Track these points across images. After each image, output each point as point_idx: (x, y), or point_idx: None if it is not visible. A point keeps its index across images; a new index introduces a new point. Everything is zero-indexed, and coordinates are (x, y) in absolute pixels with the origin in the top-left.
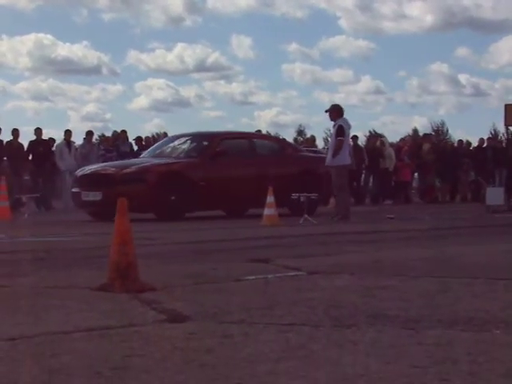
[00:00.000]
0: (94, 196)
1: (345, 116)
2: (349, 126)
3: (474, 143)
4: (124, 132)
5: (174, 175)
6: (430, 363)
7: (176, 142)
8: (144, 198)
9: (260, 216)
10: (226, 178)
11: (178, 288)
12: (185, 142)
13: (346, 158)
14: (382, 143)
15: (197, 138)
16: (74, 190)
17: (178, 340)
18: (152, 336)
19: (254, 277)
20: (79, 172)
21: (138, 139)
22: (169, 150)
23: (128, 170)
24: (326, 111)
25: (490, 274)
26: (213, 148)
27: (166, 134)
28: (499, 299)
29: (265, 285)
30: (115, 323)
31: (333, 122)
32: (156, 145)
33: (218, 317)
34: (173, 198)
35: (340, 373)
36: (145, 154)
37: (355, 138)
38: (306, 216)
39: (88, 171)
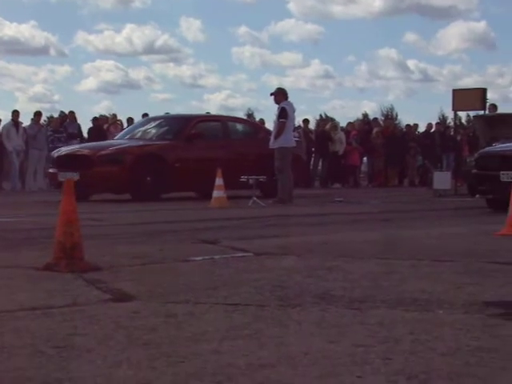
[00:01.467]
0: (71, 176)
1: (292, 100)
2: (293, 110)
3: (423, 128)
4: (72, 113)
5: (149, 157)
6: (373, 342)
7: (151, 124)
8: (120, 179)
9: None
10: (200, 160)
11: (123, 268)
12: (160, 125)
13: (288, 140)
14: (335, 127)
15: (172, 120)
16: (50, 170)
17: (121, 319)
18: (96, 315)
19: (200, 258)
20: (55, 153)
21: (95, 119)
22: (144, 132)
23: (105, 152)
24: (271, 94)
25: (435, 256)
26: (188, 130)
27: (115, 116)
28: (443, 281)
29: (211, 266)
30: (59, 302)
31: (277, 106)
32: (131, 126)
33: (163, 297)
34: (148, 179)
35: (284, 351)
36: (120, 135)
37: (306, 121)
38: (254, 198)
39: (64, 152)
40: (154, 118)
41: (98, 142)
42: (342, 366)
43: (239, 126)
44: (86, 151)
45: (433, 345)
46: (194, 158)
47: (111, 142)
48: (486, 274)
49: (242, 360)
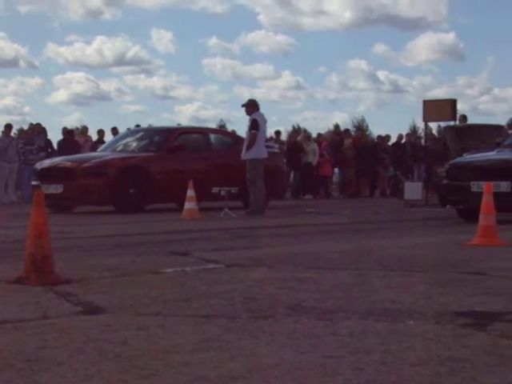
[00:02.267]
0: (55, 189)
1: (264, 111)
2: (264, 121)
3: (395, 139)
4: (38, 125)
5: (132, 169)
6: (345, 353)
7: (133, 137)
8: (103, 192)
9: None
10: (182, 171)
11: (95, 281)
12: (142, 137)
13: (260, 152)
14: (307, 138)
15: (154, 132)
16: (33, 182)
17: (92, 332)
18: (66, 328)
19: (172, 269)
20: (39, 165)
21: (66, 131)
22: (127, 144)
23: (88, 164)
24: (243, 106)
25: (406, 267)
26: (170, 142)
27: (85, 128)
28: (414, 291)
29: (183, 277)
30: (29, 315)
31: (249, 117)
32: (113, 139)
33: (134, 309)
34: (131, 191)
35: (255, 363)
36: (102, 147)
37: (278, 133)
38: (226, 210)
39: (48, 165)
40: (136, 131)
41: (81, 155)
42: (313, 377)
43: (220, 138)
44: (68, 164)
45: (403, 355)
46: (176, 169)
47: (94, 154)
48: (457, 284)
49: (213, 372)
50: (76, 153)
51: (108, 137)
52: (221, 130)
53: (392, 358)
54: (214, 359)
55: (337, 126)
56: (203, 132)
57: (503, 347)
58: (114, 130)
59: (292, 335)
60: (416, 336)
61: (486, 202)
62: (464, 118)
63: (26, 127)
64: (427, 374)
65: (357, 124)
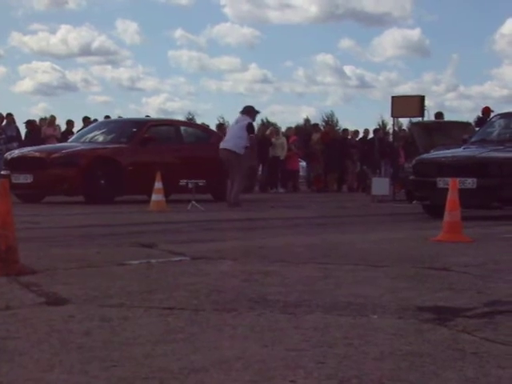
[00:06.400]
0: (25, 178)
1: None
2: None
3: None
4: (10, 115)
5: (103, 160)
6: (307, 346)
7: (104, 128)
8: (74, 182)
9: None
10: (153, 163)
11: (59, 271)
12: (113, 128)
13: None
14: (276, 132)
15: (125, 124)
16: (3, 172)
17: (55, 323)
18: (29, 318)
19: (137, 261)
20: (9, 155)
21: (30, 122)
22: (97, 135)
23: (59, 154)
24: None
25: (371, 261)
26: (141, 134)
27: (53, 118)
28: (379, 285)
29: (148, 269)
30: None
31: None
32: (84, 130)
33: (98, 300)
34: (102, 182)
35: (217, 356)
36: (73, 138)
37: None
38: (193, 202)
39: (17, 154)
40: (107, 122)
41: (51, 145)
42: (275, 370)
43: (191, 131)
44: (39, 154)
45: (366, 349)
46: (147, 161)
47: (64, 144)
48: (421, 280)
49: (175, 364)
50: (41, 144)
51: (78, 126)
52: (192, 122)
53: (354, 352)
54: (176, 351)
55: (307, 120)
56: (174, 124)
57: (464, 342)
58: (87, 120)
59: (255, 328)
60: (379, 330)
61: (452, 198)
62: (440, 114)
63: None
64: (388, 368)
65: (325, 118)
